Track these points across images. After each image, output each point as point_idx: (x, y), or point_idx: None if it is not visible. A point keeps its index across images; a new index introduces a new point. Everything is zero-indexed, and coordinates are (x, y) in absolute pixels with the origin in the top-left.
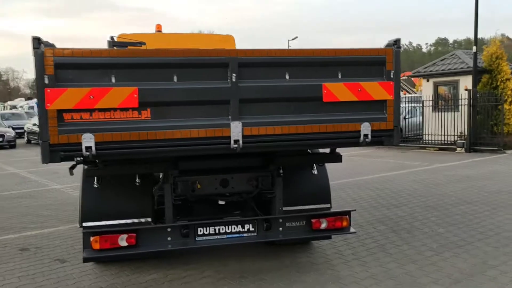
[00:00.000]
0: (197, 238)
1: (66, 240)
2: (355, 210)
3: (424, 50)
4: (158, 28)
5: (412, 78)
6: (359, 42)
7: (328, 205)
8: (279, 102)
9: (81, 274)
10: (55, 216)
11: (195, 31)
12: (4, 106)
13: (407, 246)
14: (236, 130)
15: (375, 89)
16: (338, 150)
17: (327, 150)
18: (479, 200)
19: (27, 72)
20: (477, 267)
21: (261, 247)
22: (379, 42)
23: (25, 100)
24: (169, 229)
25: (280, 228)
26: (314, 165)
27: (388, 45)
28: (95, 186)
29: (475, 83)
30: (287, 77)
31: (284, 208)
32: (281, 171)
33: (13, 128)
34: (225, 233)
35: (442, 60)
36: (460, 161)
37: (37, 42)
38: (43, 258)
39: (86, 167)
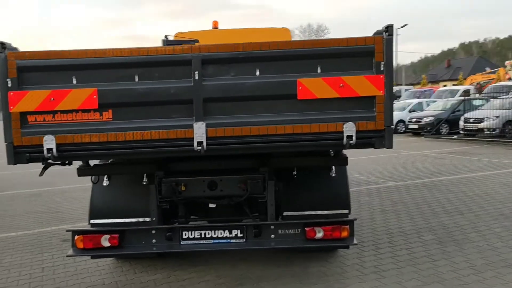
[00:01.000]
0: (182, 242)
1: None
2: (355, 219)
3: None
4: (215, 25)
5: None
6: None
7: (345, 211)
8: (248, 101)
9: (96, 269)
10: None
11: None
12: None
13: (444, 262)
14: (199, 132)
15: (361, 84)
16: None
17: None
18: None
19: None
20: None
21: (279, 252)
22: None
23: None
24: (153, 231)
25: (272, 236)
26: (333, 167)
27: (377, 32)
28: (104, 184)
29: None
30: (257, 73)
31: (294, 213)
32: (295, 173)
33: None
34: (211, 237)
35: None
36: None
37: (0, 46)
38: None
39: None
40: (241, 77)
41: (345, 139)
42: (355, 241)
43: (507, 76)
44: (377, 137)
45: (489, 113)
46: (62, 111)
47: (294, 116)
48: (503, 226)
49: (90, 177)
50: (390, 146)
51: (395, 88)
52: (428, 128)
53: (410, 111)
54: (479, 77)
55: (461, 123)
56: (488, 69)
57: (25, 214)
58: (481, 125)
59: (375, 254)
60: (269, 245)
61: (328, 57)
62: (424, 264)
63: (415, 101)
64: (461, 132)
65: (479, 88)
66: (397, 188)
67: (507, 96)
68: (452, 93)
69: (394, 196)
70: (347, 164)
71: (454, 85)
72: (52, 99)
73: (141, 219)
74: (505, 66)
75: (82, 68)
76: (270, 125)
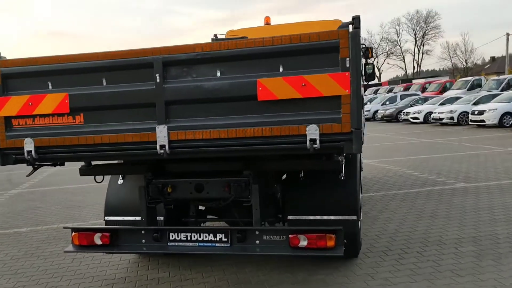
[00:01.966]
0: (169, 244)
1: None
2: (341, 228)
3: None
4: (267, 21)
5: None
6: None
7: (353, 217)
8: (210, 103)
9: (115, 263)
10: None
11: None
12: None
13: (469, 278)
14: (161, 135)
15: (325, 83)
16: None
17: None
18: None
19: None
20: None
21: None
22: None
23: None
24: (143, 232)
25: (257, 241)
26: (342, 170)
27: (342, 26)
28: (119, 183)
29: None
30: (218, 74)
31: (299, 217)
32: (302, 175)
33: None
34: (197, 240)
35: None
36: None
37: None
38: None
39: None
40: (201, 78)
41: (308, 142)
42: (340, 252)
43: None
44: (345, 140)
45: None
46: (40, 115)
47: (255, 119)
48: None
49: (93, 176)
50: (358, 151)
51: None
52: None
53: None
54: None
55: None
56: None
57: (87, 206)
58: None
59: (395, 264)
60: (254, 251)
61: (290, 55)
62: (444, 279)
63: None
64: None
65: None
66: (465, 190)
67: None
68: None
69: (455, 200)
70: (339, 169)
71: None
72: (30, 103)
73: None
74: None
75: (55, 73)
76: (230, 128)
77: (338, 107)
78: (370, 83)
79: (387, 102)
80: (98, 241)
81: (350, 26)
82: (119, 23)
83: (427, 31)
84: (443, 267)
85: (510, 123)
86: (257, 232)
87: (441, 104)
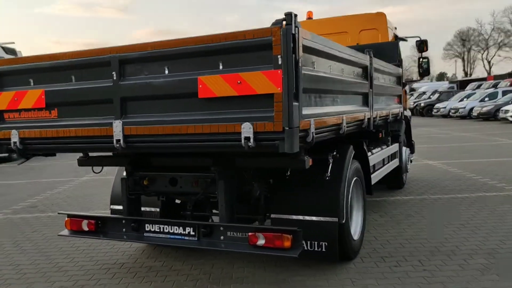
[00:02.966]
0: (145, 234)
1: None
2: (300, 230)
3: None
4: (309, 15)
5: None
6: None
7: (334, 219)
8: (160, 99)
9: (124, 250)
10: None
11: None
12: None
13: None
14: (117, 130)
15: (259, 81)
16: None
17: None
18: None
19: None
20: None
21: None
22: None
23: None
24: (123, 221)
25: (222, 237)
26: (329, 169)
27: (275, 23)
28: (123, 175)
29: None
30: (166, 72)
31: (281, 216)
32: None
33: None
34: (169, 233)
35: None
36: None
37: None
38: None
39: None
40: (152, 76)
41: (243, 140)
42: (294, 254)
43: None
44: (279, 139)
45: None
46: (24, 110)
47: (197, 116)
48: None
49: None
50: (291, 150)
51: None
52: None
53: None
54: None
55: None
56: None
57: None
58: None
59: (386, 272)
60: (219, 246)
61: (227, 53)
62: None
63: None
64: None
65: None
66: None
67: None
68: None
69: (499, 209)
70: (304, 167)
71: None
72: (16, 99)
73: (147, 209)
74: None
75: (35, 71)
76: (175, 125)
77: (270, 105)
78: (467, 78)
79: (486, 99)
80: (85, 227)
81: (284, 23)
82: (218, 20)
83: None
84: (436, 278)
85: None
86: (221, 228)
87: None
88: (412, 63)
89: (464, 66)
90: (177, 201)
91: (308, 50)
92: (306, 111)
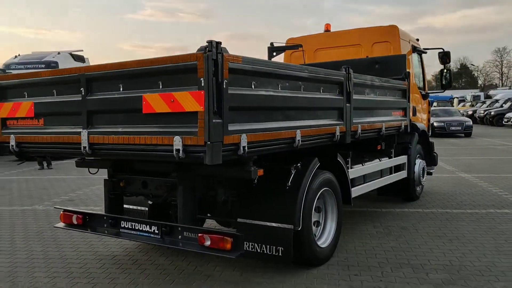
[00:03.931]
0: (121, 230)
1: None
2: (241, 235)
3: None
4: (327, 28)
5: None
6: None
7: (289, 226)
8: (115, 113)
9: (123, 244)
10: None
11: None
12: None
13: None
14: (83, 138)
15: (187, 100)
16: None
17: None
18: None
19: None
20: None
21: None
22: None
23: None
24: (105, 218)
25: (180, 236)
26: (290, 178)
27: (200, 49)
28: None
29: None
30: (121, 89)
31: (245, 221)
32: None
33: None
34: (139, 230)
35: None
36: None
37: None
38: None
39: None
40: (109, 92)
41: (174, 152)
42: (233, 255)
43: None
44: (202, 152)
45: None
46: (20, 118)
47: (141, 128)
48: None
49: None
50: (211, 162)
51: None
52: None
53: None
54: None
55: None
56: None
57: None
58: None
59: (342, 279)
60: (178, 245)
61: (165, 74)
62: None
63: None
64: None
65: None
66: None
67: None
68: None
69: (501, 226)
70: (251, 178)
71: None
72: (13, 109)
73: (139, 208)
74: None
75: (28, 86)
76: (125, 135)
77: (196, 121)
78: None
79: None
80: (74, 221)
81: (205, 50)
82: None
83: None
84: None
85: None
86: (179, 229)
87: None
88: (494, 68)
89: None
90: (149, 202)
91: (239, 72)
92: (234, 127)
